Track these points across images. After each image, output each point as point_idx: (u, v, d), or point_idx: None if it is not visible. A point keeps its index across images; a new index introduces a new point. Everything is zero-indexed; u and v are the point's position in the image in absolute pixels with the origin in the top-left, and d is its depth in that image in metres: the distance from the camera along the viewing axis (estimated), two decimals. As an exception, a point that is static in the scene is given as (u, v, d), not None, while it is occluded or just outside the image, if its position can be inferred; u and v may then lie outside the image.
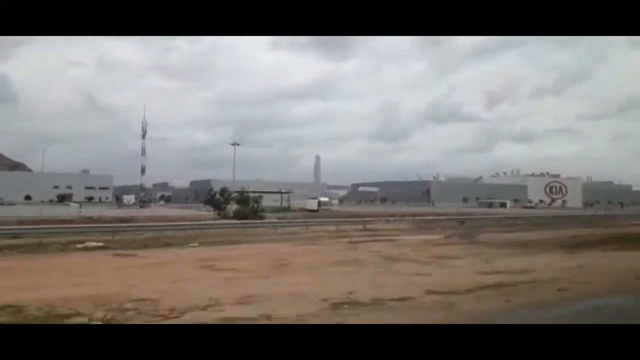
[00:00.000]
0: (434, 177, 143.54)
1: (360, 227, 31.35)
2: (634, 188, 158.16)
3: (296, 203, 67.43)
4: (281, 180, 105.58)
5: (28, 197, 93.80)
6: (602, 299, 9.28)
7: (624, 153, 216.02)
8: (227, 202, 39.38)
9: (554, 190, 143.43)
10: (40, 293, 9.36)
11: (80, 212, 42.60)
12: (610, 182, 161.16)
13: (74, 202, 79.63)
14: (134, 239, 22.58)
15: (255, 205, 39.23)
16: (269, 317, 7.56)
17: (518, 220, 40.88)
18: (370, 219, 37.01)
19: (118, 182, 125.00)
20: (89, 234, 22.80)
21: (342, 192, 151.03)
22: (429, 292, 9.76)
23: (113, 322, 7.13)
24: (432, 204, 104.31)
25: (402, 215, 44.31)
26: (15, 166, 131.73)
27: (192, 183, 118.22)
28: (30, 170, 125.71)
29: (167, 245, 20.30)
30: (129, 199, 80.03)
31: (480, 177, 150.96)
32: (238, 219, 31.53)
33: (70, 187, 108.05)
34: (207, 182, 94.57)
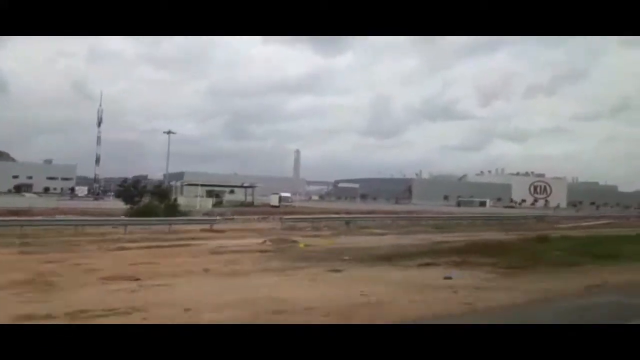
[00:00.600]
0: (416, 175, 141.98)
1: (208, 226, 26.69)
2: (620, 189, 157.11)
3: (267, 199, 65.60)
4: (257, 175, 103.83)
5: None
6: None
7: (614, 154, 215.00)
8: (140, 195, 36.98)
9: (538, 189, 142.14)
10: None
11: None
12: (596, 183, 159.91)
13: (34, 192, 77.51)
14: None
15: (174, 200, 36.79)
16: None
17: (451, 221, 39.11)
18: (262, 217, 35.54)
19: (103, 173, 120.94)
20: None
21: (324, 188, 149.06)
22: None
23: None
24: (410, 202, 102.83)
25: (348, 213, 42.23)
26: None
27: (166, 175, 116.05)
28: (13, 160, 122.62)
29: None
30: (82, 190, 78.31)
31: (465, 176, 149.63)
32: (141, 214, 27.52)
33: (30, 177, 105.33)
34: (180, 174, 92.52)
